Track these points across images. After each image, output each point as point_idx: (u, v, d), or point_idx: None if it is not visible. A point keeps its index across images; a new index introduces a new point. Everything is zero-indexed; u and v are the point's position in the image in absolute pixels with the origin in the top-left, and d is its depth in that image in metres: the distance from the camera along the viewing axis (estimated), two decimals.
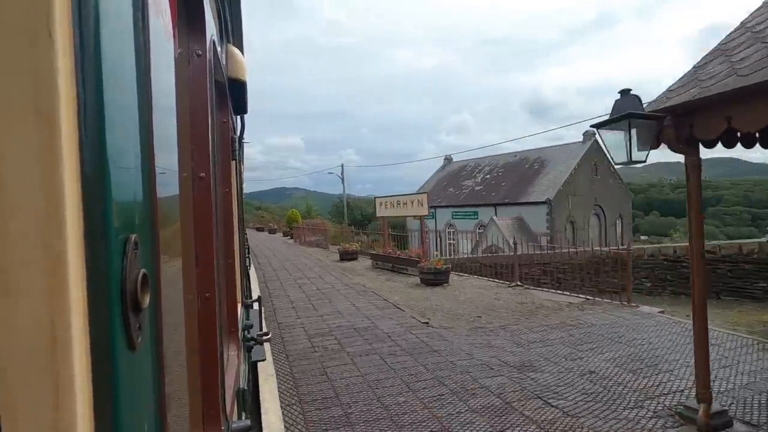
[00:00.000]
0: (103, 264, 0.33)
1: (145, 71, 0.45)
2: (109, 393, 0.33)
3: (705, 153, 3.55)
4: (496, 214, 34.39)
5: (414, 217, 13.16)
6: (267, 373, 3.82)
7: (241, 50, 2.02)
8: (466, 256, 16.10)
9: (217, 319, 1.05)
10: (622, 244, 14.53)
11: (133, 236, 0.38)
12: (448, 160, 45.83)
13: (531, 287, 10.25)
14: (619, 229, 36.42)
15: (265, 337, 2.35)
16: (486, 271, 12.72)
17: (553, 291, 9.83)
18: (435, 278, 10.65)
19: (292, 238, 27.32)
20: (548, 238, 31.60)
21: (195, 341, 0.94)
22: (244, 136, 2.75)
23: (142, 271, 0.39)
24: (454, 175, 42.63)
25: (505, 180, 36.19)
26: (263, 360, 2.56)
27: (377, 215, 14.67)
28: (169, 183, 0.59)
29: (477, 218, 36.11)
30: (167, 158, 0.57)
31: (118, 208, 0.35)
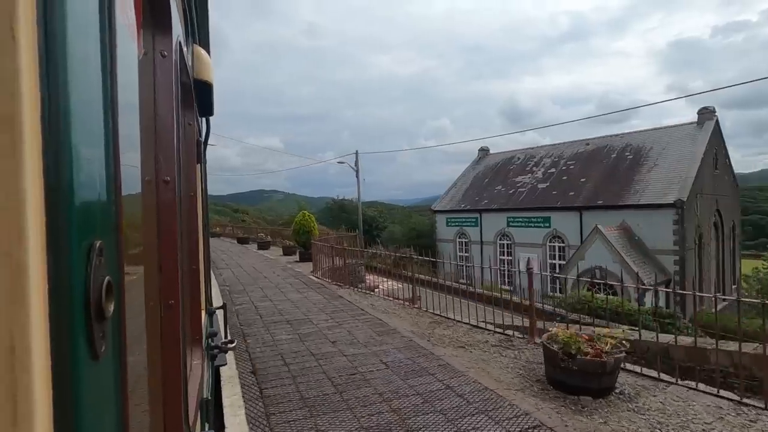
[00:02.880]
0: (66, 272, 0.31)
1: (111, 73, 0.42)
2: (70, 405, 0.31)
3: None
4: (581, 221, 23.66)
5: None
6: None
7: (208, 51, 1.96)
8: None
9: (180, 327, 0.99)
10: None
11: (98, 242, 0.36)
12: (483, 151, 34.90)
13: None
14: (730, 243, 26.37)
15: (229, 345, 2.21)
16: None
17: None
18: None
19: (301, 260, 15.51)
20: (676, 258, 21.21)
21: (158, 350, 0.89)
22: (210, 138, 2.63)
23: (107, 278, 0.37)
24: (498, 170, 31.71)
25: (584, 175, 25.49)
26: (224, 365, 2.47)
27: None
28: (132, 187, 0.57)
29: (549, 226, 25.20)
30: (131, 162, 0.55)
31: (82, 214, 0.34)
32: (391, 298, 9.19)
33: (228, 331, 3.30)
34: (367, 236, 24.46)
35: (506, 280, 27.96)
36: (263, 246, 20.74)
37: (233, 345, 2.21)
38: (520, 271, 6.63)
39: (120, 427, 0.42)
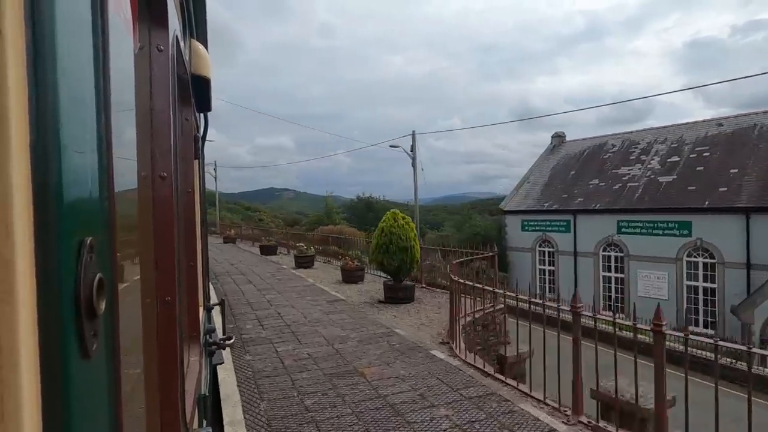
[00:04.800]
0: (54, 269, 0.30)
1: (104, 66, 0.41)
2: (60, 403, 0.30)
3: None
4: (748, 228, 16.21)
5: None
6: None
7: (206, 46, 1.89)
8: None
9: (177, 324, 0.97)
10: None
11: (89, 239, 0.35)
12: (559, 137, 27.43)
13: None
14: None
15: (227, 342, 2.15)
16: None
17: None
18: None
19: (388, 300, 8.24)
20: None
21: (154, 347, 0.87)
22: (208, 134, 2.51)
23: (99, 275, 0.36)
24: (585, 160, 24.27)
25: (733, 164, 18.01)
26: (221, 363, 2.46)
27: None
28: (127, 183, 0.55)
29: (689, 234, 17.75)
30: (126, 157, 0.54)
31: (72, 210, 0.33)
32: None
33: (226, 327, 2.93)
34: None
35: (607, 304, 20.70)
36: (304, 262, 13.42)
37: (231, 341, 2.16)
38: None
39: (113, 424, 0.41)
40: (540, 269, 23.00)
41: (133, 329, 0.56)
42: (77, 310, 0.32)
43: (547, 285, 21.86)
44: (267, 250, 17.27)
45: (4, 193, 0.26)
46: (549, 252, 22.77)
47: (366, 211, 41.16)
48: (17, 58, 0.26)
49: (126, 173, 0.53)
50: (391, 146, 21.34)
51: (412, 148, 21.57)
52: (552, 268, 22.53)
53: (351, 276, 10.67)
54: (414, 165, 21.53)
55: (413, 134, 21.59)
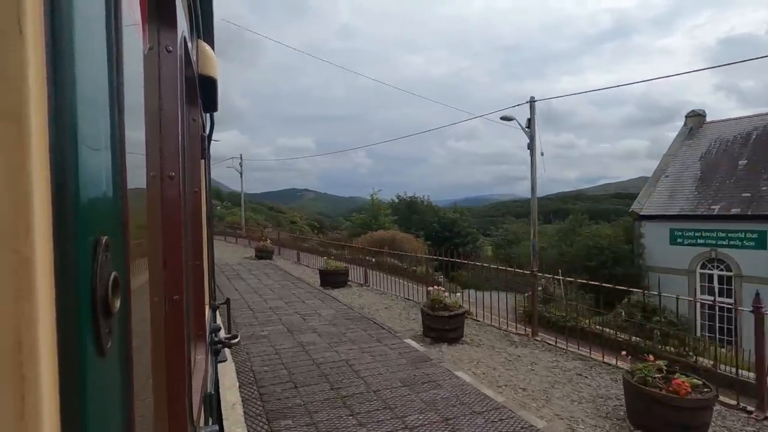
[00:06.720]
0: (72, 268, 0.30)
1: (118, 67, 0.41)
2: (77, 400, 0.30)
3: None
4: None
5: None
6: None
7: (212, 46, 1.90)
8: None
9: (185, 323, 0.96)
10: None
11: (104, 238, 0.35)
12: (698, 116, 19.93)
13: None
14: None
15: (232, 341, 2.17)
16: None
17: None
18: None
19: None
20: None
21: (162, 345, 0.86)
22: (214, 134, 2.49)
23: (114, 273, 0.36)
24: (756, 145, 16.81)
25: None
26: (224, 360, 2.40)
27: None
28: (138, 183, 0.56)
29: None
30: (136, 157, 0.54)
31: (88, 209, 0.33)
32: None
33: (231, 326, 3.04)
34: (461, 249, 10.44)
35: None
36: (447, 329, 6.16)
37: (236, 340, 2.17)
38: None
39: (126, 422, 0.41)
40: (704, 303, 15.64)
41: (143, 327, 0.56)
42: (94, 308, 0.32)
43: (723, 326, 14.50)
44: (331, 280, 10.25)
45: (25, 192, 0.25)
46: (723, 277, 15.37)
47: (409, 213, 34.12)
48: (36, 57, 0.26)
49: (136, 173, 0.53)
50: (502, 118, 14.23)
51: (529, 124, 14.43)
52: (729, 300, 15.12)
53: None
54: (532, 147, 14.40)
55: (531, 102, 14.45)
